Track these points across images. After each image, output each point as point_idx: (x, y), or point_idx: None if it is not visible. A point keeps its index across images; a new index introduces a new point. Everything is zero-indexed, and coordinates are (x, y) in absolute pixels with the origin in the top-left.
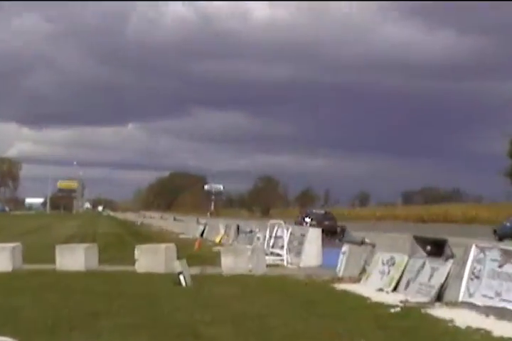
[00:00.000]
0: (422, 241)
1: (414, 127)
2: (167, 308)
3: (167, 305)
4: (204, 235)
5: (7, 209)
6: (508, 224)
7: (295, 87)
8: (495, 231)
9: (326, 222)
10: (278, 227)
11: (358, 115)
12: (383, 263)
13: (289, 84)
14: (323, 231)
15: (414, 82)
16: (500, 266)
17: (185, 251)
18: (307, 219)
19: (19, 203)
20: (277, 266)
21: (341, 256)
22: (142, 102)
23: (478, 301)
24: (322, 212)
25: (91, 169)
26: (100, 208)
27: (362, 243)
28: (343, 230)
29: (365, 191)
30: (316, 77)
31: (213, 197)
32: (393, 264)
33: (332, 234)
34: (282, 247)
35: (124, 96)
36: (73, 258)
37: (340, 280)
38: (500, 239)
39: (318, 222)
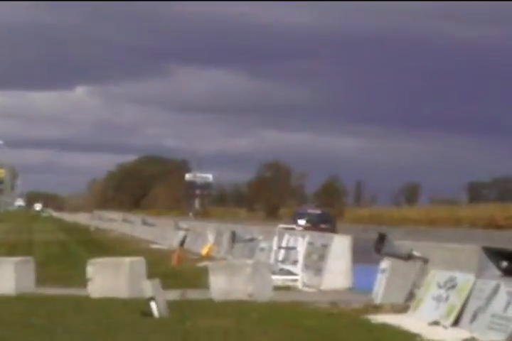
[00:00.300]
0: (495, 255)
1: (490, 95)
2: None
3: None
4: (185, 245)
5: None
6: None
7: (315, 37)
8: None
9: (323, 225)
10: (290, 234)
11: (403, 77)
12: (440, 286)
13: (306, 32)
14: None
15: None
16: None
17: (159, 267)
18: (301, 222)
19: None
20: (289, 288)
21: (380, 275)
22: (96, 57)
23: None
24: (318, 211)
25: (25, 151)
26: (38, 206)
27: (409, 257)
28: (383, 238)
29: (414, 183)
30: (348, 23)
31: (198, 191)
32: (454, 287)
33: None
34: (296, 262)
35: (70, 49)
36: None
37: (378, 309)
38: None
39: (312, 224)
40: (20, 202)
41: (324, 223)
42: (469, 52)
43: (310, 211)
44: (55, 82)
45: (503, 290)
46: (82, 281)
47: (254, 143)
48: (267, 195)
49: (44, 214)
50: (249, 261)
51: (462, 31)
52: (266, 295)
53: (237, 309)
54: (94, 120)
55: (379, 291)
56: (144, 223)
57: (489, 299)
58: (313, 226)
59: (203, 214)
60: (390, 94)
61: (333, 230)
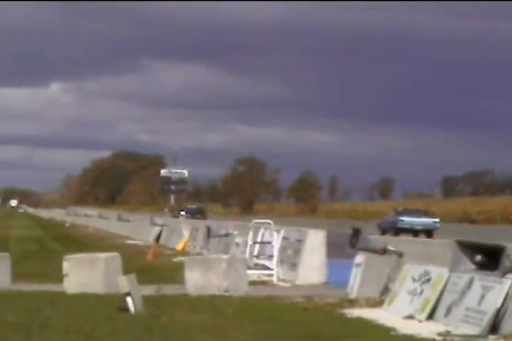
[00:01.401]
0: (469, 249)
1: (465, 89)
2: None
3: None
4: (161, 240)
5: None
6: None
7: (287, 30)
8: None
9: (198, 215)
10: (265, 229)
11: (376, 70)
12: (414, 280)
13: (278, 25)
14: None
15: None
16: None
17: (135, 262)
18: (182, 213)
19: None
20: (264, 283)
21: (354, 269)
22: (70, 53)
23: None
24: (194, 206)
25: (0, 147)
26: (14, 202)
27: (384, 251)
28: (358, 233)
29: (388, 178)
30: (318, 16)
31: (173, 186)
32: (428, 281)
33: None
34: (271, 257)
35: (45, 45)
36: None
37: (353, 303)
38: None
39: (191, 215)
40: None
41: (199, 214)
42: (446, 44)
43: (189, 206)
44: (30, 78)
45: (477, 283)
46: (58, 277)
47: (229, 139)
48: (242, 190)
49: (19, 210)
50: (225, 256)
51: (438, 24)
52: (241, 289)
53: (213, 304)
54: (68, 116)
55: (354, 285)
56: (120, 219)
57: (463, 293)
58: (192, 216)
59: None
60: (365, 88)
61: (205, 218)
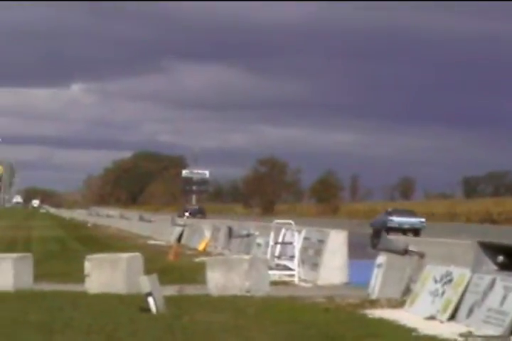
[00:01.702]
0: (491, 250)
1: (489, 90)
2: None
3: None
4: (182, 240)
5: None
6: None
7: (311, 31)
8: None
9: (198, 215)
10: (286, 230)
11: (399, 70)
12: (436, 281)
13: (301, 26)
14: None
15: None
16: None
17: (157, 262)
18: (186, 214)
19: None
20: (285, 283)
21: (376, 270)
22: (92, 54)
23: None
24: (196, 207)
25: (22, 148)
26: (36, 203)
27: (405, 252)
28: (379, 233)
29: (409, 178)
30: (345, 17)
31: (195, 187)
32: (450, 282)
33: None
34: (292, 257)
35: (67, 46)
36: None
37: (374, 304)
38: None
39: (192, 215)
40: (17, 199)
41: (200, 214)
42: (471, 45)
43: (191, 207)
44: (51, 79)
45: (499, 284)
46: (80, 277)
47: (250, 139)
48: (263, 191)
49: (41, 211)
50: (246, 257)
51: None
52: (263, 290)
53: (234, 304)
54: (89, 117)
55: (375, 286)
56: (141, 219)
57: (485, 293)
58: (193, 216)
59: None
60: (388, 88)
61: (204, 217)
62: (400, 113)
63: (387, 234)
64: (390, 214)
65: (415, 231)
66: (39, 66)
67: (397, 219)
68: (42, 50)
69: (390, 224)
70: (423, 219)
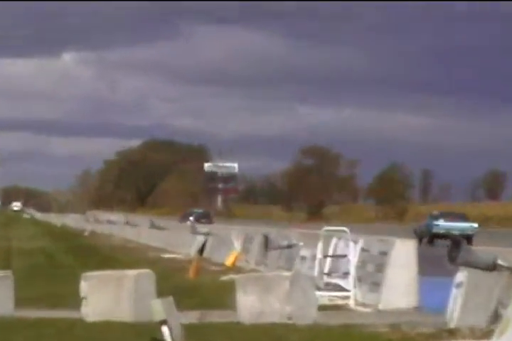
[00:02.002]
0: None
1: None
2: None
3: None
4: (205, 253)
5: None
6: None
7: None
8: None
9: (203, 220)
10: (339, 239)
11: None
12: None
13: None
14: None
15: None
16: None
17: (173, 281)
18: (191, 218)
19: None
20: (338, 307)
21: (455, 290)
22: (87, 15)
23: None
24: (200, 211)
25: (1, 135)
26: (17, 205)
27: (493, 267)
28: (459, 244)
29: (498, 172)
30: None
31: (221, 184)
32: None
33: None
34: (347, 275)
35: (54, 6)
36: None
37: (453, 334)
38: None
39: (197, 219)
40: None
41: (204, 218)
42: None
43: (195, 210)
44: (36, 47)
45: None
46: (75, 301)
47: (290, 123)
48: (308, 189)
49: (25, 216)
50: (287, 274)
51: None
52: (309, 316)
53: (273, 335)
54: (85, 95)
55: (454, 311)
56: (153, 226)
57: None
58: (197, 221)
59: (227, 215)
60: (467, 59)
61: (210, 222)
62: (486, 90)
63: (432, 241)
64: (436, 217)
65: (466, 239)
66: (21, 30)
67: (444, 224)
68: (25, 10)
69: (435, 230)
70: (475, 225)
